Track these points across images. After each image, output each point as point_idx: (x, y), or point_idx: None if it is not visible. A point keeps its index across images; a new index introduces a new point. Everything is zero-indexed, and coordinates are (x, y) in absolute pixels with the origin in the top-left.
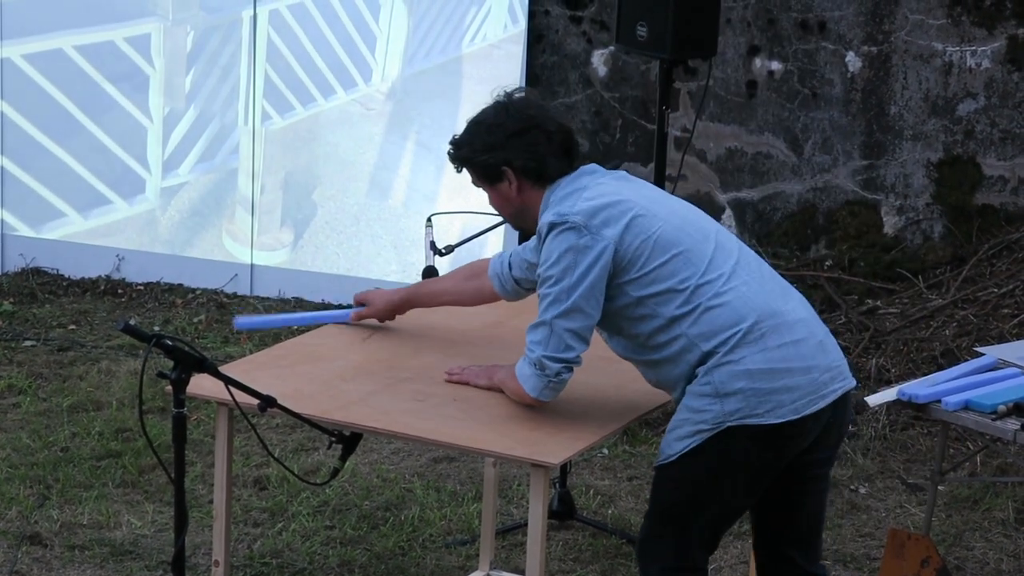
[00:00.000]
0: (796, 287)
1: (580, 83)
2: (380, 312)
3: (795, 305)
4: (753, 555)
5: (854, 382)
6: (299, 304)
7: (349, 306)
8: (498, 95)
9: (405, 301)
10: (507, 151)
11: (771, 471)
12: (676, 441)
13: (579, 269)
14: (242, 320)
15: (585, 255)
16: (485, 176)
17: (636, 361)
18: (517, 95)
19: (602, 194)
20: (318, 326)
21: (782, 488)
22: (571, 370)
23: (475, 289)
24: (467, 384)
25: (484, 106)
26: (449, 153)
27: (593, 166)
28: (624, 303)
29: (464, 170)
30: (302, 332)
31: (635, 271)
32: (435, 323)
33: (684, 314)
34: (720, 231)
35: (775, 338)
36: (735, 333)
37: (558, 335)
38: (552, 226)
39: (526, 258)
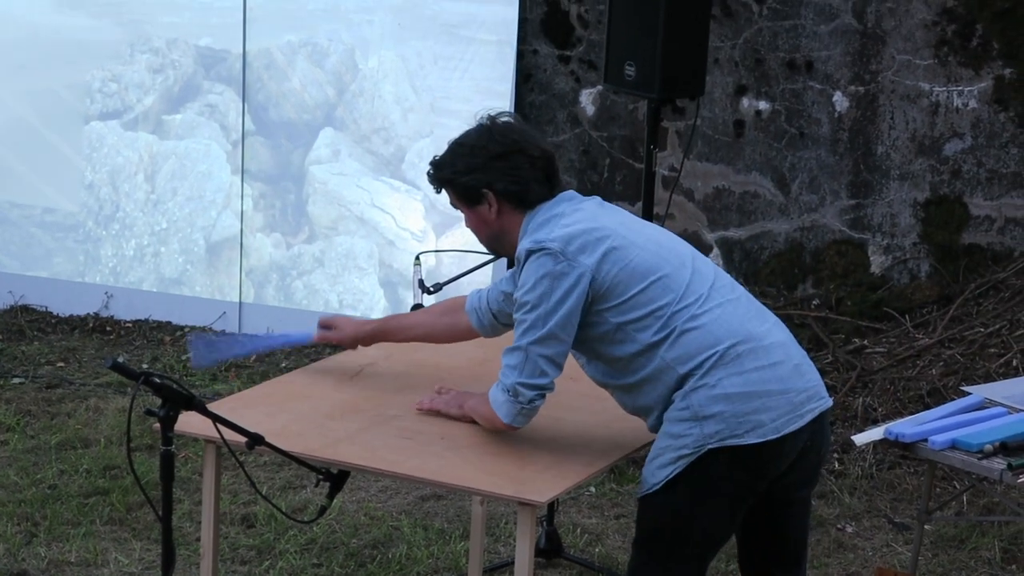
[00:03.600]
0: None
1: (568, 122)
2: (346, 340)
3: (771, 327)
4: None
5: (830, 402)
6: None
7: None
8: (481, 118)
9: (374, 333)
10: (489, 173)
11: (751, 494)
12: (659, 469)
13: (555, 295)
14: (198, 357)
15: (562, 281)
16: (465, 198)
17: (613, 387)
18: (501, 119)
19: (579, 221)
20: (281, 352)
21: (765, 513)
22: (544, 397)
23: (448, 324)
24: (438, 413)
25: (467, 128)
26: (429, 173)
27: (571, 193)
28: (603, 329)
29: (443, 192)
30: (290, 370)
31: (614, 299)
32: (423, 360)
33: (662, 339)
34: (696, 256)
35: (751, 360)
36: (711, 355)
37: (533, 361)
38: (530, 252)
39: (502, 289)
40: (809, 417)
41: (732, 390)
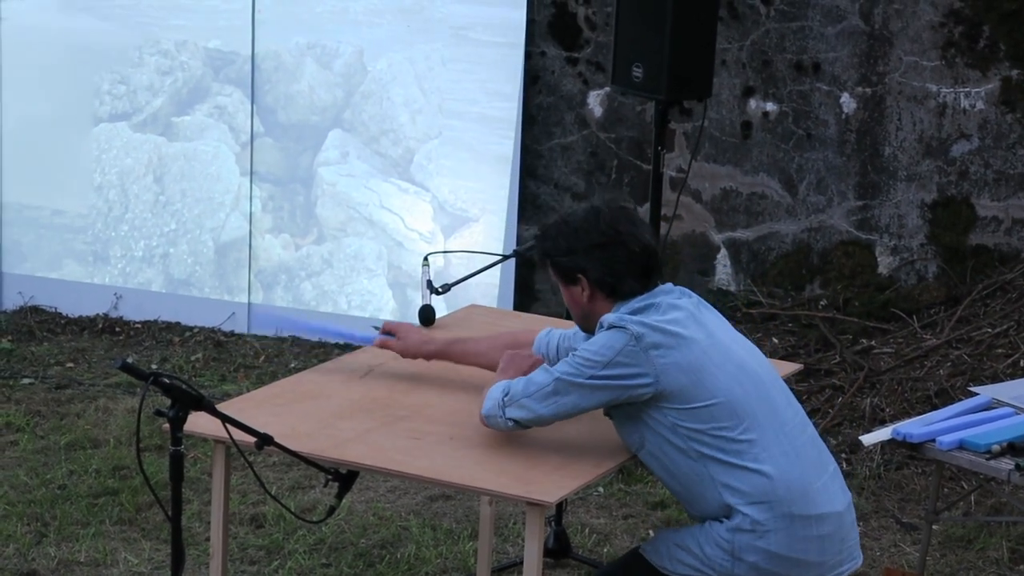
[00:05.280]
0: (790, 327)
1: (576, 123)
2: (408, 351)
3: (833, 491)
4: None
5: (860, 560)
6: (296, 343)
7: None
8: (597, 202)
9: (438, 353)
10: (586, 259)
11: None
12: (677, 562)
13: (610, 371)
14: (258, 320)
15: (622, 363)
16: (561, 276)
17: (666, 486)
18: (612, 205)
19: (668, 321)
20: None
21: None
22: (525, 427)
23: None
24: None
25: (578, 207)
26: (535, 242)
27: (669, 286)
28: (661, 423)
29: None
30: (299, 371)
31: (677, 403)
32: (432, 362)
33: (716, 460)
34: (775, 385)
35: (802, 528)
36: (765, 503)
37: (549, 392)
38: (611, 325)
39: (575, 346)
40: None
41: (775, 549)
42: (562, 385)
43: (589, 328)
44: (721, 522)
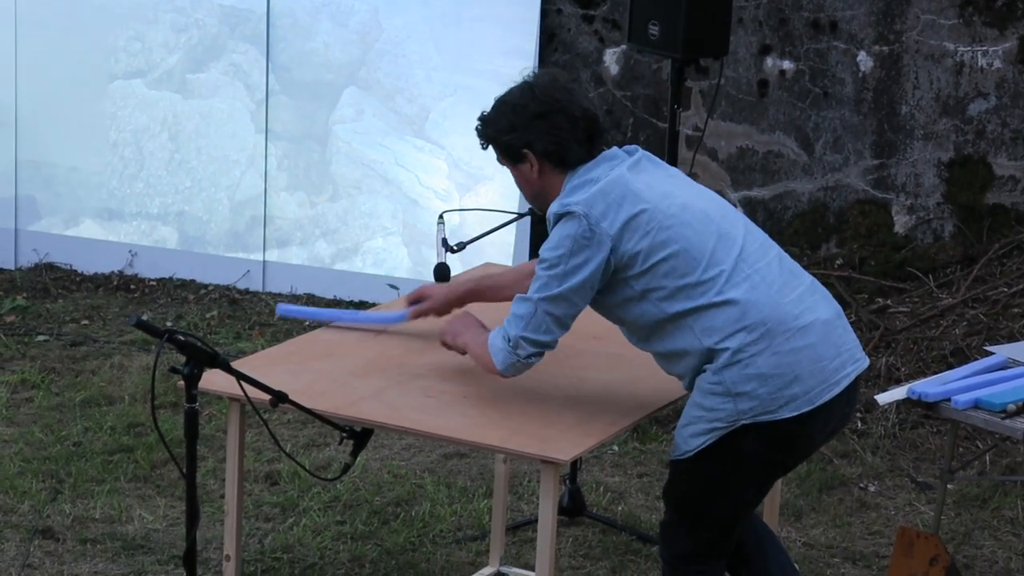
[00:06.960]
0: None
1: (592, 82)
2: (440, 306)
3: (809, 304)
4: None
5: (867, 361)
6: (311, 301)
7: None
8: (527, 75)
9: (468, 295)
10: (530, 133)
11: (783, 469)
12: (692, 438)
13: (575, 260)
14: (284, 308)
15: (583, 246)
16: (507, 156)
17: (649, 351)
18: (545, 76)
19: (609, 187)
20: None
21: None
22: (541, 355)
23: None
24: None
25: (511, 86)
26: (476, 129)
27: (613, 151)
28: (627, 296)
29: (489, 147)
30: (315, 328)
31: (637, 267)
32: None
33: (688, 310)
34: (726, 215)
35: (784, 341)
36: (740, 330)
37: (540, 317)
38: (558, 216)
39: None
40: (845, 383)
41: (765, 370)
42: (544, 302)
43: (544, 208)
44: (704, 370)
